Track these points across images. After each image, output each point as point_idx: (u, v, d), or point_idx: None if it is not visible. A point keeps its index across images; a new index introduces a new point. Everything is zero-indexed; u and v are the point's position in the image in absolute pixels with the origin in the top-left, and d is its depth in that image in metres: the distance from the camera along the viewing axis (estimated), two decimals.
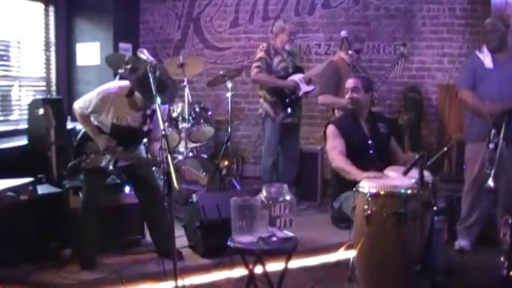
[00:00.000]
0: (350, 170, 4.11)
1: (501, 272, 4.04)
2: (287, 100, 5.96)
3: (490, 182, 4.27)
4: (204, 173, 4.21)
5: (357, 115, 4.51)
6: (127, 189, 4.79)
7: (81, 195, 4.51)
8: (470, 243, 4.95)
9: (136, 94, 4.11)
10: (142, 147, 4.62)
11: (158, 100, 3.55)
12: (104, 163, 4.21)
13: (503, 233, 4.24)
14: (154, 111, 4.17)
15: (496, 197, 4.87)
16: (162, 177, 3.59)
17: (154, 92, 3.54)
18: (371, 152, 4.38)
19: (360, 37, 5.78)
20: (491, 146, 4.39)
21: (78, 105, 4.27)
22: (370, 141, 4.42)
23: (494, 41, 4.78)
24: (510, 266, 3.94)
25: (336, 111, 5.66)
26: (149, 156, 4.56)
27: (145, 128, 4.30)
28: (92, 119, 4.28)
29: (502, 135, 4.42)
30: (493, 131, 4.43)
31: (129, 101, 4.17)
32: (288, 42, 6.01)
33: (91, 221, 4.35)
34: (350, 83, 4.50)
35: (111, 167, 4.21)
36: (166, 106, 4.40)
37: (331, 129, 4.44)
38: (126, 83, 4.25)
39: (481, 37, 5.06)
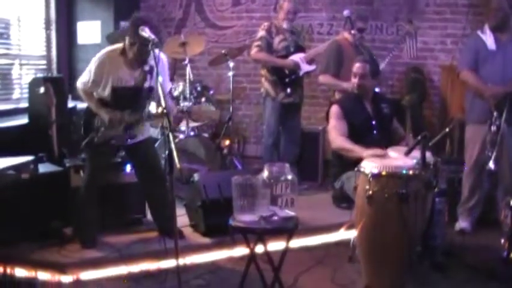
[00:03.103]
0: (352, 148, 4.11)
1: (501, 254, 4.07)
2: (286, 80, 5.92)
3: (491, 164, 4.29)
4: (214, 108, 4.12)
5: (362, 97, 4.49)
6: (128, 168, 4.79)
7: (82, 173, 4.52)
8: (471, 225, 4.96)
9: (128, 49, 4.11)
10: (148, 125, 4.58)
11: (160, 79, 3.59)
12: (115, 133, 4.21)
13: (504, 215, 4.25)
14: (152, 67, 4.13)
15: (497, 179, 4.87)
16: (163, 156, 3.59)
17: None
18: (374, 132, 4.37)
19: (363, 16, 5.72)
20: (493, 128, 4.40)
21: (79, 82, 4.27)
22: (373, 122, 4.41)
23: (496, 19, 4.74)
24: (510, 248, 3.96)
25: (336, 93, 5.64)
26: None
27: (147, 84, 4.25)
28: (95, 94, 4.27)
29: (503, 117, 4.42)
30: (494, 113, 4.44)
31: (124, 60, 4.17)
32: (285, 20, 5.93)
33: (92, 199, 4.36)
34: (358, 68, 4.44)
35: (122, 135, 4.21)
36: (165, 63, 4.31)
37: (334, 109, 4.42)
38: (118, 45, 4.28)
39: (484, 15, 5.01)
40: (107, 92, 4.19)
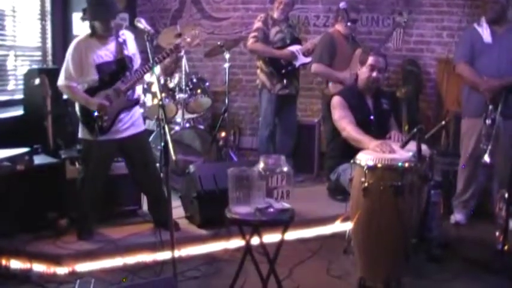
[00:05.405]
0: (361, 139, 4.09)
1: (496, 246, 4.09)
2: (283, 71, 5.91)
3: (486, 158, 4.30)
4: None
5: (364, 91, 4.45)
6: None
7: (77, 165, 4.51)
8: (466, 217, 4.98)
9: (97, 25, 4.25)
10: (139, 113, 4.57)
11: (156, 71, 3.60)
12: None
13: (499, 207, 4.27)
14: (124, 40, 4.36)
15: (492, 172, 4.89)
16: (158, 148, 3.58)
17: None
18: (372, 129, 4.34)
19: (355, 7, 5.72)
20: (488, 121, 4.41)
21: (61, 80, 4.30)
22: (372, 118, 4.38)
23: (493, 12, 4.74)
24: (505, 241, 3.98)
25: (330, 84, 5.62)
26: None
27: (126, 52, 4.33)
28: (80, 87, 4.27)
29: (499, 111, 4.42)
30: (490, 107, 4.45)
31: (96, 40, 4.29)
32: (280, 11, 5.91)
33: (91, 192, 4.35)
34: (376, 61, 4.35)
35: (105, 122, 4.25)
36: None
37: (338, 100, 4.37)
38: (83, 33, 4.42)
39: (481, 8, 5.00)
40: (93, 74, 4.24)
